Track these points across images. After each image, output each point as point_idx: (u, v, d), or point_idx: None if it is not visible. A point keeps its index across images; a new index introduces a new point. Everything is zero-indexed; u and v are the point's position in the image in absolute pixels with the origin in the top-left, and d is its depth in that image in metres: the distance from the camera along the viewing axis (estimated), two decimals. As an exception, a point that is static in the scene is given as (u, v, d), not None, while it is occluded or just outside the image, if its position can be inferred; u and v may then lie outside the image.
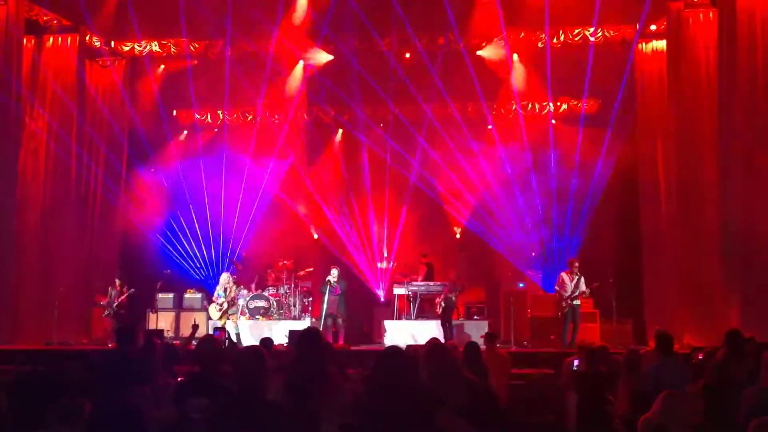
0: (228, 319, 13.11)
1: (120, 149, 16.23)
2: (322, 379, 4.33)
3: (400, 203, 16.40)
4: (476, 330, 13.23)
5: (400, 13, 14.09)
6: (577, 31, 14.68)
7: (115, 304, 13.74)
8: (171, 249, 16.34)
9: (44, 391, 4.25)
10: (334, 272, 13.67)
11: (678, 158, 13.09)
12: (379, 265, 16.40)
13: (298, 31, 15.10)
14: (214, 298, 13.57)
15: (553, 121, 16.06)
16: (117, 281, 14.05)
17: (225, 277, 13.57)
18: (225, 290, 13.26)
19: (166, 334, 12.59)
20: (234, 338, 12.62)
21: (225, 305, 13.12)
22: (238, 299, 13.91)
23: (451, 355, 4.54)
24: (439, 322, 13.50)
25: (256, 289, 14.75)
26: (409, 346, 6.09)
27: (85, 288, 14.87)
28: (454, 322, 13.61)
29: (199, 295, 14.86)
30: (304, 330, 4.68)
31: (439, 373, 4.24)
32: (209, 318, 13.74)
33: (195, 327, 10.07)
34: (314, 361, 4.37)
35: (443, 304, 13.45)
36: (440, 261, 15.52)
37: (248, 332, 13.59)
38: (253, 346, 4.49)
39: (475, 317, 14.25)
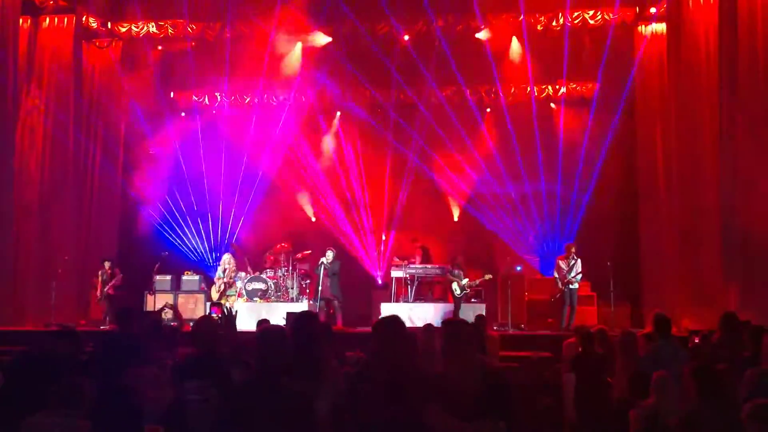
0: (226, 300, 13.09)
1: (117, 131, 16.18)
2: (315, 361, 4.24)
3: (399, 186, 16.36)
4: (473, 313, 13.23)
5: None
6: (576, 14, 14.61)
7: (106, 288, 13.73)
8: (169, 231, 16.32)
9: (39, 371, 4.24)
10: (329, 254, 13.67)
11: (677, 142, 13.04)
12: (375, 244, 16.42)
13: (297, 13, 14.98)
14: (215, 279, 13.58)
15: (552, 105, 16.01)
16: (106, 264, 14.03)
17: (226, 258, 13.56)
18: (224, 271, 13.24)
19: (164, 316, 12.57)
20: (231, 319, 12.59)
21: (223, 286, 13.11)
22: (235, 281, 13.93)
23: (472, 337, 4.24)
24: (441, 305, 13.67)
25: (254, 272, 14.75)
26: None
27: (83, 270, 14.87)
28: (450, 306, 13.67)
29: (196, 277, 14.81)
30: (300, 313, 4.59)
31: (456, 356, 4.08)
32: (209, 300, 13.78)
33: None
34: (307, 343, 4.26)
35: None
36: (438, 244, 15.52)
37: (246, 314, 13.59)
38: (277, 326, 4.36)
39: (473, 300, 14.27)
